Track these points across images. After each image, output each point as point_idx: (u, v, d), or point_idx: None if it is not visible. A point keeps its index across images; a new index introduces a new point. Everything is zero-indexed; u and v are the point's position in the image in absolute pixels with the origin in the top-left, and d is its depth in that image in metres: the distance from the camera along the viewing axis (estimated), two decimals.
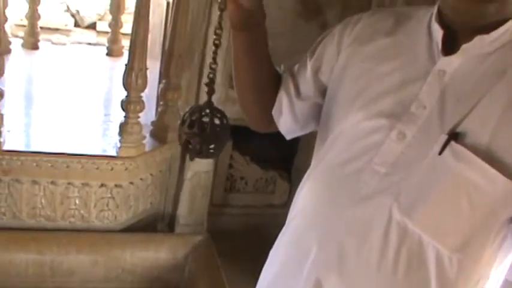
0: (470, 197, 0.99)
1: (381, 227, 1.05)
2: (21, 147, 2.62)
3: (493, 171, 0.97)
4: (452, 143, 0.99)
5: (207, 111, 1.01)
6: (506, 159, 0.97)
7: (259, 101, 1.33)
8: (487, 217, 1.01)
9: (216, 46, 1.02)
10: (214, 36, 1.02)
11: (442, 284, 1.05)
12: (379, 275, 1.06)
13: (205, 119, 1.01)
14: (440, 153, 0.99)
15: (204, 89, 2.63)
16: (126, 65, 2.59)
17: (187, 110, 1.03)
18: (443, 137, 1.00)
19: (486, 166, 0.97)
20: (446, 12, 1.04)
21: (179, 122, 1.03)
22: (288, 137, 1.38)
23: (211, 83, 1.03)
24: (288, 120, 1.31)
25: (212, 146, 1.03)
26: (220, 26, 1.02)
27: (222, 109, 1.05)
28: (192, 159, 1.04)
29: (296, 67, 1.31)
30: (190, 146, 1.02)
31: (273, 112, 1.31)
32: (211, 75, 1.02)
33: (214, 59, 1.02)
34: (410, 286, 1.06)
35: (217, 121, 1.02)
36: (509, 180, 0.97)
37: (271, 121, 1.33)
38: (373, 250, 1.06)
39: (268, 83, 1.30)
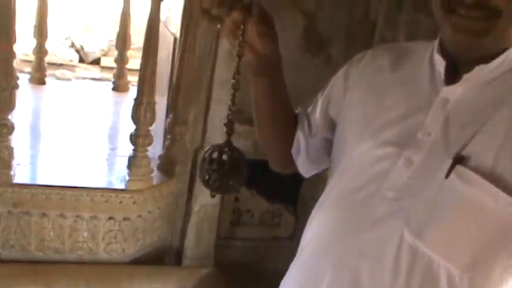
0: (477, 217, 1.01)
1: (393, 250, 1.07)
2: (27, 180, 2.64)
3: (499, 192, 0.99)
4: (458, 166, 1.02)
5: (226, 149, 1.06)
6: (510, 181, 0.99)
7: (279, 142, 1.38)
8: (495, 237, 1.03)
9: (235, 90, 1.08)
10: (233, 81, 1.08)
11: None
12: None
13: (224, 157, 1.06)
14: (446, 176, 1.02)
15: (211, 123, 2.74)
16: (134, 99, 2.63)
17: (208, 147, 1.08)
18: (449, 161, 1.03)
19: (492, 187, 0.99)
20: (446, 44, 1.10)
21: (200, 158, 1.08)
22: (306, 176, 1.43)
23: (230, 124, 1.08)
24: (304, 159, 1.36)
25: (230, 183, 1.07)
26: (238, 71, 1.07)
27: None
28: (212, 196, 1.09)
29: (310, 107, 1.36)
30: (209, 182, 1.07)
31: (292, 151, 1.36)
32: (230, 117, 1.08)
33: (232, 101, 1.07)
34: None
35: (235, 159, 1.07)
36: None
37: (291, 161, 1.38)
38: (385, 272, 1.08)
39: (287, 124, 1.35)
